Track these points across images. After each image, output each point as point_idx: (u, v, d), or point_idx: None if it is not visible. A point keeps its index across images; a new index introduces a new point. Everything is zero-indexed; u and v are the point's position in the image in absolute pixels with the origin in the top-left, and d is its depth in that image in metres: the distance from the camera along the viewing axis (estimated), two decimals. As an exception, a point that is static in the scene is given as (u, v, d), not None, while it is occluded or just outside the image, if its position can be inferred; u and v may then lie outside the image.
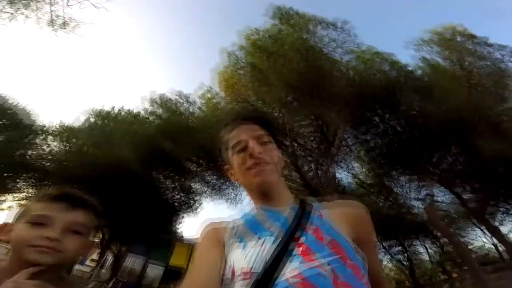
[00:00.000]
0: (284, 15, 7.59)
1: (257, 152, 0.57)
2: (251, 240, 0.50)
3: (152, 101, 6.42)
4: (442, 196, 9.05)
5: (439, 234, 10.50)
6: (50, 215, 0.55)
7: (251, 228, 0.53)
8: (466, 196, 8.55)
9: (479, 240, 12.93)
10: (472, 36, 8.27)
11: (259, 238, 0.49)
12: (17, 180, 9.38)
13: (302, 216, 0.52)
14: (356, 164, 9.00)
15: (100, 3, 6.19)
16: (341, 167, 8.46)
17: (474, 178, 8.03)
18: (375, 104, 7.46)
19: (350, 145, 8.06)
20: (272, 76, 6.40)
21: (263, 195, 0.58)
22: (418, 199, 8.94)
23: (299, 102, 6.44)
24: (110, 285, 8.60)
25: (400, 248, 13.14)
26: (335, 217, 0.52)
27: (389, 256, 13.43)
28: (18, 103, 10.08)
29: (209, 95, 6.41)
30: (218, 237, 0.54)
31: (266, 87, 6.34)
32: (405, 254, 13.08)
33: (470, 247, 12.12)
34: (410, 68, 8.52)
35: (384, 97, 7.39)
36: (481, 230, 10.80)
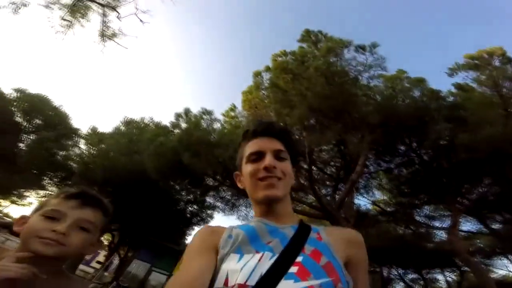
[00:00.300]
0: (312, 38, 7.69)
1: (272, 165, 0.57)
2: (248, 252, 0.49)
3: (177, 115, 6.68)
4: (469, 226, 8.52)
5: (460, 262, 9.69)
6: (62, 211, 0.58)
7: (250, 240, 0.52)
8: (495, 226, 8.02)
9: (505, 269, 11.75)
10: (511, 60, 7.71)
11: (257, 252, 0.49)
12: (43, 178, 10.11)
13: (301, 236, 0.52)
14: (376, 191, 8.57)
15: (145, 18, 6.74)
16: (361, 194, 8.07)
17: (506, 209, 7.36)
18: (402, 132, 7.10)
19: (372, 172, 7.69)
20: (295, 98, 6.39)
21: (267, 208, 0.58)
22: (442, 228, 8.45)
23: (322, 126, 6.32)
24: (110, 288, 8.67)
25: (416, 275, 12.18)
26: (333, 240, 0.53)
27: (403, 284, 12.52)
28: (57, 105, 11.10)
29: (232, 114, 6.55)
30: (212, 242, 0.53)
31: (288, 109, 6.33)
32: (421, 282, 12.14)
33: (493, 275, 10.95)
34: (442, 95, 8.11)
35: (413, 124, 7.03)
36: (509, 259, 10.07)
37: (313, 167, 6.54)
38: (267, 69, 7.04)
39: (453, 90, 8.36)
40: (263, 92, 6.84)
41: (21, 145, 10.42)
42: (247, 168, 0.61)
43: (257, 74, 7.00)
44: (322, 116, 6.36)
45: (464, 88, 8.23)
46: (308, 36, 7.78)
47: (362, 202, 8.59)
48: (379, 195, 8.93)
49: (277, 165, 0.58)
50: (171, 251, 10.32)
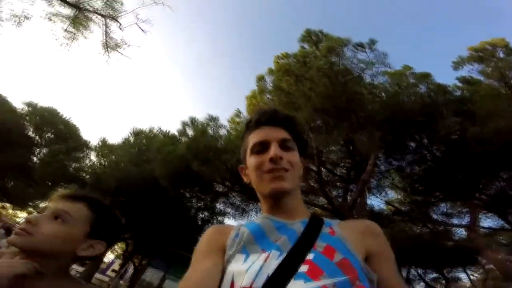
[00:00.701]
0: (312, 38, 7.69)
1: (278, 156, 0.53)
2: (254, 252, 0.47)
3: (184, 123, 6.78)
4: (489, 222, 8.16)
5: (484, 260, 9.25)
6: (47, 205, 0.60)
7: (256, 238, 0.49)
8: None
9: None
10: (515, 50, 7.47)
11: (263, 251, 0.46)
12: (58, 189, 10.39)
13: (312, 232, 0.49)
14: (389, 191, 8.38)
15: (147, 28, 6.91)
16: (373, 194, 7.91)
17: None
18: (410, 129, 6.96)
19: (383, 171, 7.54)
20: (300, 100, 6.38)
21: (274, 203, 0.55)
22: (461, 226, 8.14)
23: (328, 126, 6.28)
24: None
25: (437, 275, 11.74)
26: (348, 234, 0.49)
27: (424, 284, 12.06)
28: (67, 118, 11.48)
29: (237, 119, 6.60)
30: (219, 242, 0.51)
31: (293, 111, 6.32)
32: (443, 281, 11.71)
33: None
34: (449, 89, 7.93)
35: (421, 120, 6.89)
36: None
37: (322, 168, 6.47)
38: (270, 72, 7.07)
39: (459, 84, 8.18)
40: (267, 95, 6.87)
41: (34, 158, 10.80)
42: (251, 160, 0.57)
43: (260, 78, 7.05)
44: (327, 116, 6.32)
45: (470, 81, 8.04)
46: (308, 36, 7.78)
47: (375, 202, 8.45)
48: (392, 195, 8.73)
49: (284, 155, 0.54)
50: (184, 259, 10.35)
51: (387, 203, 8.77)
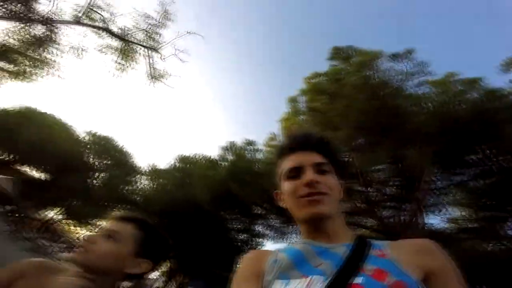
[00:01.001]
0: (342, 55, 7.67)
1: (314, 180, 0.50)
2: (295, 278, 0.43)
3: (223, 148, 7.20)
4: None
5: None
6: (104, 225, 0.67)
7: (296, 264, 0.46)
8: None
9: None
10: None
11: (305, 277, 0.43)
12: (113, 210, 11.77)
13: (358, 254, 0.45)
14: (451, 208, 7.35)
15: (185, 58, 7.69)
16: (432, 212, 7.02)
17: None
18: (467, 139, 6.17)
19: (441, 187, 6.71)
20: (336, 118, 6.27)
21: (313, 228, 0.52)
22: None
23: (371, 144, 5.97)
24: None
25: None
26: (400, 255, 0.45)
27: None
28: (121, 145, 13.17)
29: (272, 143, 6.78)
30: (258, 267, 0.49)
31: (330, 130, 6.21)
32: None
33: None
34: (504, 93, 6.91)
35: (478, 129, 6.08)
36: None
37: (369, 188, 6.08)
38: (302, 92, 7.19)
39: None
40: (302, 117, 6.93)
41: (94, 181, 12.47)
42: (286, 186, 0.55)
43: (292, 100, 7.19)
44: (369, 134, 6.04)
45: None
46: (337, 53, 7.77)
47: (435, 221, 7.43)
48: (455, 212, 7.66)
49: (320, 179, 0.52)
50: (224, 279, 10.36)
51: (450, 220, 7.69)
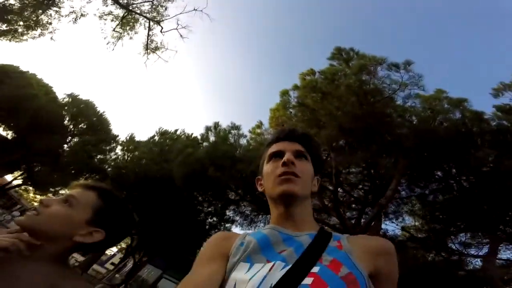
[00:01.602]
0: (343, 56, 7.53)
1: (291, 160, 0.55)
2: (259, 262, 0.46)
3: (207, 128, 6.96)
4: (509, 254, 7.52)
5: None
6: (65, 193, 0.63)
7: (262, 248, 0.49)
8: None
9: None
10: None
11: (267, 262, 0.46)
12: (79, 178, 11.10)
13: (319, 245, 0.48)
14: (407, 217, 7.97)
15: (184, 34, 7.36)
16: (390, 219, 7.55)
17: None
18: (440, 158, 6.55)
19: (403, 197, 7.17)
20: (324, 117, 6.27)
21: (283, 210, 0.55)
22: (477, 256, 7.59)
23: (351, 148, 6.09)
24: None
25: None
26: (356, 249, 0.48)
27: None
28: (101, 111, 12.26)
29: (258, 130, 6.65)
30: (224, 248, 0.52)
31: (316, 128, 6.22)
32: None
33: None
34: (486, 117, 7.38)
35: (452, 149, 6.47)
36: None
37: (339, 189, 6.29)
38: (295, 87, 7.04)
39: (498, 112, 7.57)
40: (291, 110, 6.84)
41: (65, 146, 11.64)
42: (266, 167, 0.61)
43: (284, 93, 7.04)
44: (352, 137, 6.14)
45: (510, 110, 7.40)
46: (339, 53, 7.64)
47: (390, 227, 8.06)
48: (409, 221, 8.33)
49: (296, 163, 0.56)
50: (185, 260, 10.46)
51: (403, 229, 8.38)
